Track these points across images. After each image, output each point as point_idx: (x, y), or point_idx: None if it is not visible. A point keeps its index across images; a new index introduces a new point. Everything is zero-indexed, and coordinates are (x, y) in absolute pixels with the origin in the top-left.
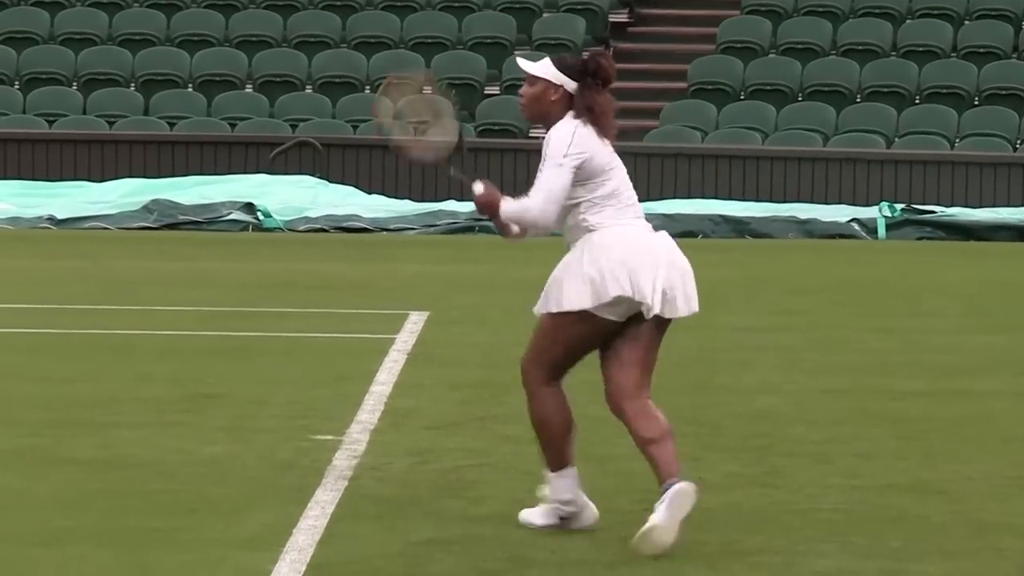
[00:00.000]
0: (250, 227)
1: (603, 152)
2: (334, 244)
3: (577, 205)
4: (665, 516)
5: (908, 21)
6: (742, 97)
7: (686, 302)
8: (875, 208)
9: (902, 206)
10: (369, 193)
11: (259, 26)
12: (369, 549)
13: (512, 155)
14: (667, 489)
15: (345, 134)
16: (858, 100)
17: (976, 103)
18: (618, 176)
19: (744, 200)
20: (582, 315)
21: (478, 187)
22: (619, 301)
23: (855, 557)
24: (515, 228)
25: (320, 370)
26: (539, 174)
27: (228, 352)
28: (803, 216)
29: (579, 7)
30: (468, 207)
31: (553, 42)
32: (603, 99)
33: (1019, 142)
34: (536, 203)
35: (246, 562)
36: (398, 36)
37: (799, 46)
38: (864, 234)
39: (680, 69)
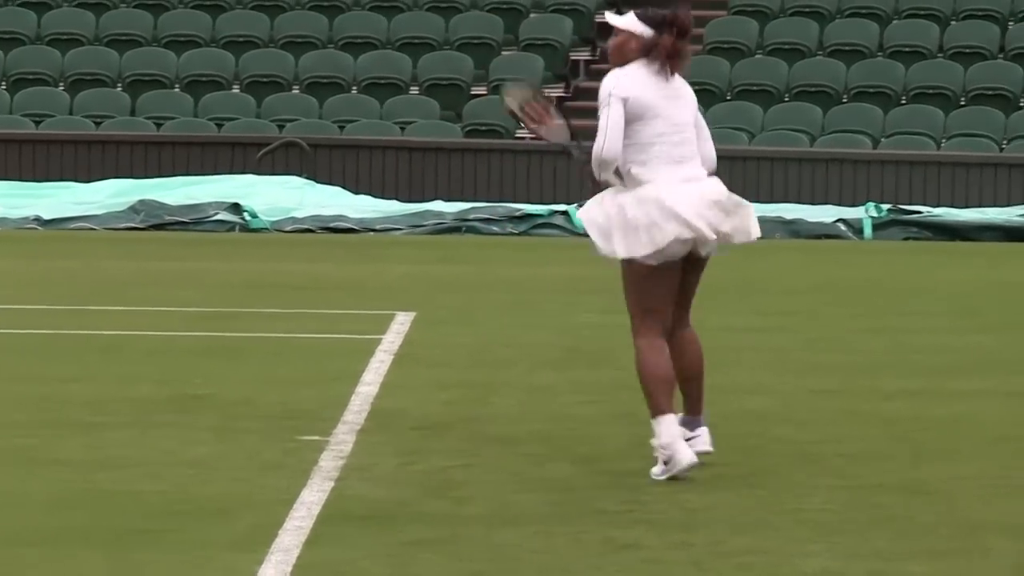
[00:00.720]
0: (237, 227)
1: (650, 96)
2: (321, 245)
3: (624, 148)
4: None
5: (895, 21)
6: (728, 97)
7: (736, 233)
8: (861, 208)
9: (888, 206)
10: (356, 194)
11: (246, 26)
12: (355, 550)
13: (499, 155)
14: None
15: (332, 134)
16: (844, 100)
17: (962, 103)
18: (666, 122)
19: None
20: (645, 262)
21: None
22: (675, 242)
23: (842, 558)
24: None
25: (307, 371)
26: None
27: (215, 353)
28: (789, 216)
29: (566, 7)
30: (454, 207)
31: (540, 42)
32: (677, 42)
33: (1005, 142)
34: (599, 144)
35: (232, 563)
36: (385, 36)
37: (786, 46)
38: (851, 234)
39: None
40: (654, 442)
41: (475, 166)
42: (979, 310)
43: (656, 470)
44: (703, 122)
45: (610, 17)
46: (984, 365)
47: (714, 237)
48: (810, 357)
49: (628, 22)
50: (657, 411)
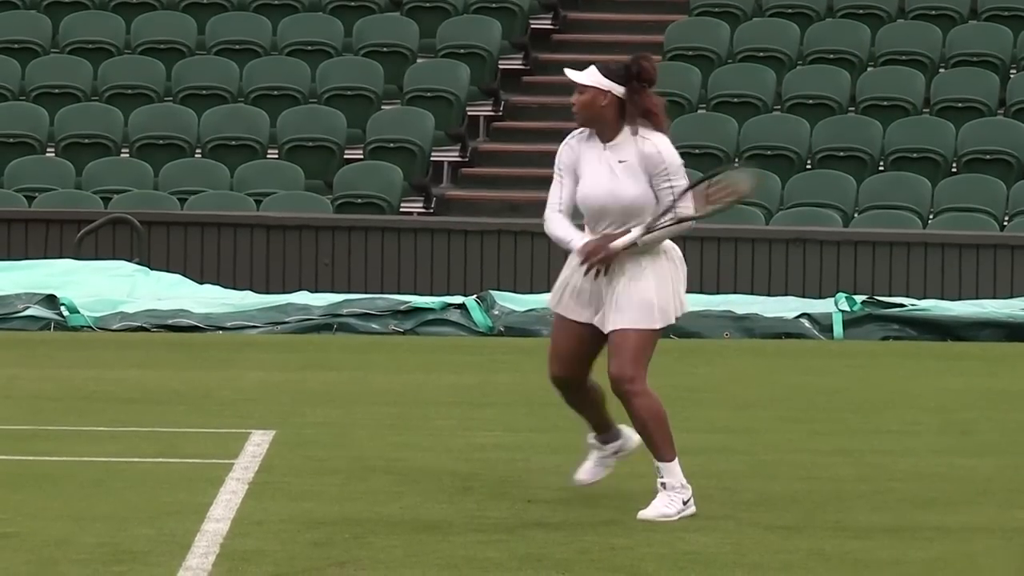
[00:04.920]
0: (52, 325)
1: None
2: (157, 346)
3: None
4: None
5: (869, 69)
6: None
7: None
8: (830, 301)
9: (863, 298)
10: (200, 283)
11: (62, 76)
12: None
13: (379, 234)
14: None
15: (170, 209)
16: (808, 166)
17: (954, 170)
18: None
19: None
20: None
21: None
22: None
23: None
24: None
25: (139, 503)
26: None
27: (24, 481)
28: (740, 311)
29: (462, 51)
30: (323, 299)
31: (430, 94)
32: (653, 99)
33: (1007, 218)
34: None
35: None
36: (235, 87)
37: (735, 99)
38: (816, 333)
39: None
40: (670, 481)
41: (349, 248)
42: (973, 427)
43: (670, 510)
44: None
45: (570, 73)
46: (978, 495)
47: None
48: (764, 486)
49: (593, 78)
50: (674, 453)
